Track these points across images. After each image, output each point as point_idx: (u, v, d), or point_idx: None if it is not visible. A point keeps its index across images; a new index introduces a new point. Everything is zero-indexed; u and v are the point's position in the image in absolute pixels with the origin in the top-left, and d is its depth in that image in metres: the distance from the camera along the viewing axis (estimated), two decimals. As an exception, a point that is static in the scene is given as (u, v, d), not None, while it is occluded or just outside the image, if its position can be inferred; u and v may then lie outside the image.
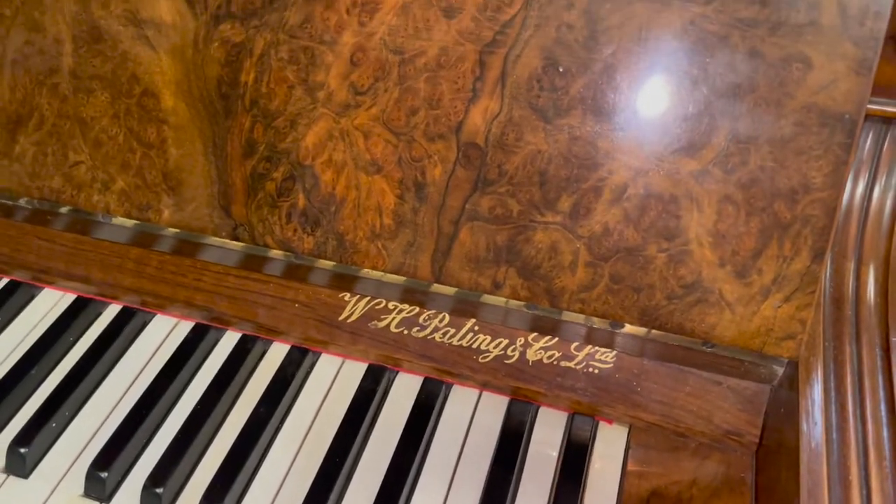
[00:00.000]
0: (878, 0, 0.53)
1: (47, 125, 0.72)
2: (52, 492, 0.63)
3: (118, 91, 0.69)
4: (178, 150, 0.69)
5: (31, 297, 0.80)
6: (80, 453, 0.66)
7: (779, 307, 0.59)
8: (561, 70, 0.60)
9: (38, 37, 0.70)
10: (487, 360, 0.69)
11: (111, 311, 0.78)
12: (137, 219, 0.72)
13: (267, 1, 0.64)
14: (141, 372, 0.73)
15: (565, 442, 0.66)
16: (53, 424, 0.67)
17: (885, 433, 0.55)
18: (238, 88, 0.66)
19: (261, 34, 0.65)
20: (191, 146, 0.69)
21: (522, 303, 0.65)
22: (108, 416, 0.69)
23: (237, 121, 0.67)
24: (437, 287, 0.67)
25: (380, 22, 0.62)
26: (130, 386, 0.72)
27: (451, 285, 0.66)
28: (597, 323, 0.65)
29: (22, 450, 0.64)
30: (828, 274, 0.63)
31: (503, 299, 0.66)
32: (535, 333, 0.67)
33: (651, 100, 0.59)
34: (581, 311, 0.63)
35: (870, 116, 0.62)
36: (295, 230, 0.68)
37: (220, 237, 0.70)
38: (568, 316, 0.65)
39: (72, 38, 0.69)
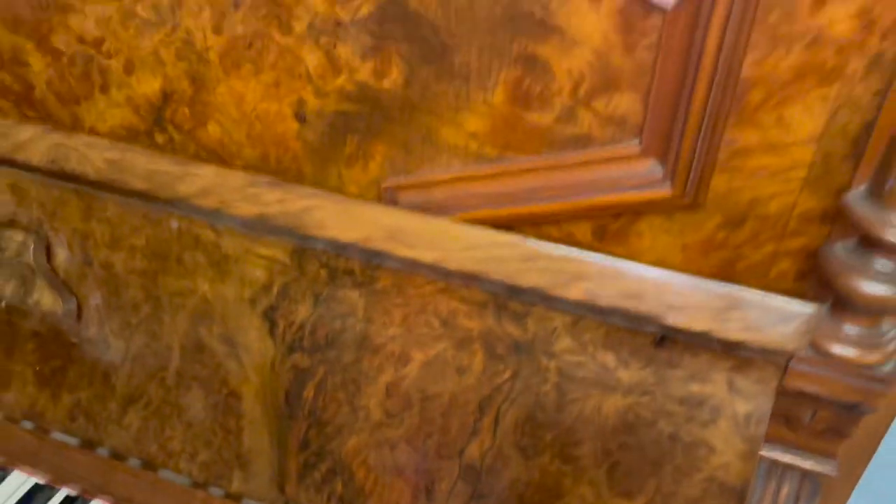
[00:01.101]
0: (759, 410, 0.75)
1: (152, 406, 0.95)
2: None
3: (210, 389, 0.93)
4: (250, 438, 0.91)
5: (114, 522, 1.01)
6: None
7: None
8: (538, 421, 0.82)
9: (153, 342, 0.94)
10: None
11: (178, 541, 0.99)
12: (213, 485, 0.94)
13: (329, 341, 0.88)
14: None
15: None
16: None
17: None
18: (300, 401, 0.89)
19: (322, 364, 0.88)
20: (260, 437, 0.91)
21: (502, 583, 0.85)
22: None
23: (297, 423, 0.89)
24: (437, 561, 0.88)
25: (410, 369, 0.86)
26: None
27: (448, 565, 0.87)
28: None
29: None
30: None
31: (487, 580, 0.86)
32: None
33: (601, 456, 0.81)
34: None
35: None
36: (333, 510, 0.89)
37: (274, 506, 0.92)
38: None
39: (180, 346, 0.93)
